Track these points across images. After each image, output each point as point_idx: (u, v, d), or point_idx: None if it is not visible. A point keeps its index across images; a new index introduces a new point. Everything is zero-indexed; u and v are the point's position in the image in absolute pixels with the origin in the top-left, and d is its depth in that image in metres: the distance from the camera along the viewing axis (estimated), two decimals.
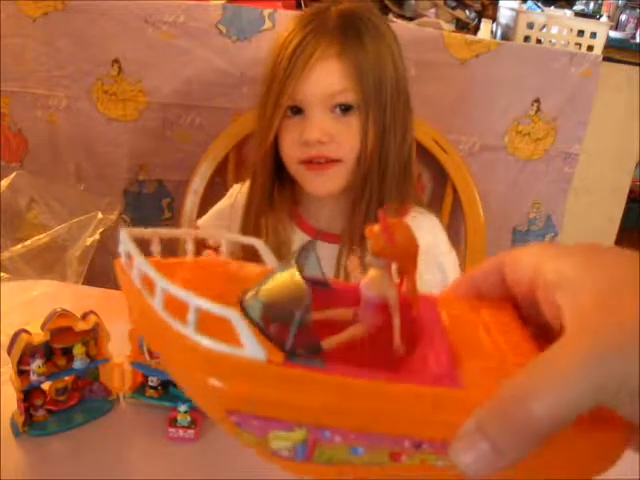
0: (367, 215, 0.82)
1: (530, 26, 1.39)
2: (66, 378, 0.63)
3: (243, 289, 0.28)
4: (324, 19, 0.79)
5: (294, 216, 0.90)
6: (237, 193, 0.94)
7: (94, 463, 0.59)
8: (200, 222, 0.97)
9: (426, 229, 0.90)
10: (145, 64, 1.17)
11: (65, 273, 0.77)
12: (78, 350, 0.62)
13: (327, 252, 0.87)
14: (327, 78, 0.78)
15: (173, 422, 0.62)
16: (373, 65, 0.79)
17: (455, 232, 1.06)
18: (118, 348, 0.65)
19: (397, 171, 0.83)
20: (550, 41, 1.39)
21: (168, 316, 0.25)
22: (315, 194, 0.85)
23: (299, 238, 0.89)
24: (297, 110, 0.80)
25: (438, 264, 0.89)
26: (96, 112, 1.20)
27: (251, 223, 0.87)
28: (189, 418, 0.62)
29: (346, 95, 0.79)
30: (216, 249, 1.01)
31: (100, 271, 1.27)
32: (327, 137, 0.79)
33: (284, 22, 1.12)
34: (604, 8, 2.61)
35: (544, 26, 1.39)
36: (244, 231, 0.88)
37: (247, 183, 0.93)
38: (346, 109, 0.80)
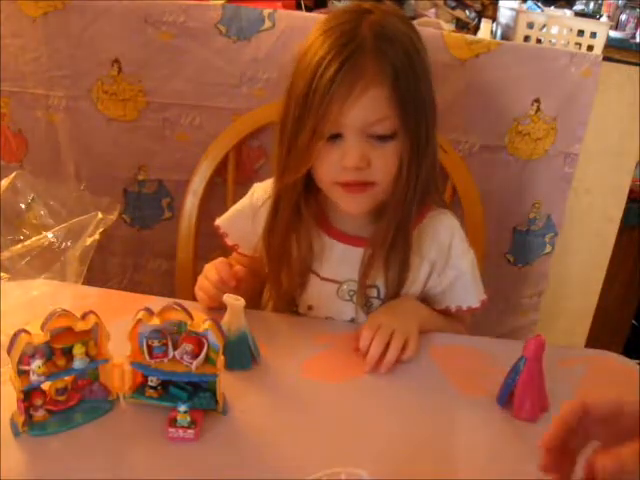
0: (394, 219, 0.84)
1: (530, 26, 1.39)
2: (66, 378, 0.64)
3: None
4: (360, 41, 0.76)
5: (320, 221, 0.90)
6: (258, 193, 0.94)
7: (94, 463, 0.59)
8: (220, 221, 0.97)
9: (443, 229, 0.91)
10: (145, 64, 1.17)
11: (65, 273, 0.77)
12: (78, 350, 0.62)
13: (352, 254, 0.88)
14: (368, 107, 0.77)
15: (173, 422, 0.62)
16: (412, 88, 0.78)
17: None
18: (118, 348, 0.65)
19: (425, 179, 0.84)
20: (550, 41, 1.39)
21: None
22: (349, 212, 0.86)
23: (326, 242, 0.90)
24: (335, 135, 0.79)
25: (453, 263, 0.90)
26: (96, 112, 1.20)
27: (278, 237, 0.87)
28: (189, 418, 0.62)
29: (386, 123, 0.78)
30: (233, 247, 1.01)
31: (100, 271, 1.28)
32: (365, 163, 0.79)
33: (284, 22, 1.12)
34: (604, 8, 2.61)
35: (544, 26, 1.39)
36: (271, 241, 0.88)
37: (267, 182, 0.93)
38: (385, 137, 0.79)
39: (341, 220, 0.90)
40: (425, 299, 0.92)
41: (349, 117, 0.77)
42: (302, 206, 0.87)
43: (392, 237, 0.84)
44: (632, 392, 0.76)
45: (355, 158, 0.78)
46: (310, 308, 0.91)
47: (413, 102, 0.79)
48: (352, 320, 0.90)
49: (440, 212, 0.92)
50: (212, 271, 0.84)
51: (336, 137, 0.79)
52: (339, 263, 0.89)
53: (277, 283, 0.90)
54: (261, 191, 0.94)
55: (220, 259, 0.86)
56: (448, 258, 0.90)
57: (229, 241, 0.96)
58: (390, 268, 0.86)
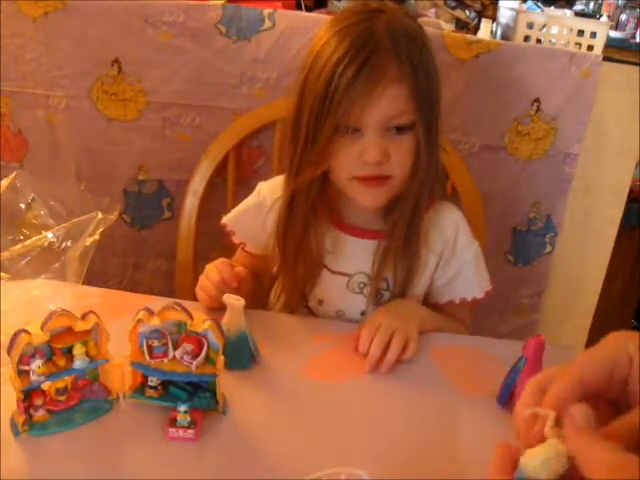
0: (409, 212, 0.85)
1: (530, 26, 1.39)
2: (66, 378, 0.64)
3: None
4: (378, 41, 0.77)
5: (331, 216, 0.91)
6: (264, 192, 0.95)
7: (94, 463, 0.59)
8: (226, 219, 0.97)
9: (448, 221, 0.92)
10: (145, 64, 1.17)
11: (65, 273, 0.77)
12: (78, 350, 0.62)
13: (363, 247, 0.89)
14: (389, 103, 0.78)
15: (173, 422, 0.62)
16: (427, 83, 0.80)
17: None
18: (118, 348, 0.65)
19: (434, 173, 0.86)
20: (550, 41, 1.39)
21: None
22: (366, 206, 0.87)
23: (337, 236, 0.91)
24: (353, 130, 0.80)
25: (458, 255, 0.92)
26: (96, 112, 1.20)
27: (295, 235, 0.87)
28: (189, 418, 0.62)
29: (404, 117, 0.80)
30: (240, 246, 1.01)
31: (100, 271, 1.28)
32: (385, 157, 0.80)
33: (284, 22, 1.12)
34: (604, 8, 2.61)
35: (544, 26, 1.39)
36: (287, 239, 0.88)
37: (274, 181, 0.94)
38: (402, 129, 0.80)
39: (352, 214, 0.91)
40: (430, 292, 0.93)
41: (369, 112, 0.78)
42: (317, 202, 0.87)
43: (406, 229, 0.86)
44: None
45: (377, 153, 0.79)
46: (321, 302, 0.92)
47: (428, 95, 0.81)
48: (363, 313, 0.90)
49: (444, 205, 0.94)
50: (213, 271, 0.84)
51: (354, 132, 0.80)
52: (350, 256, 0.90)
53: (292, 279, 0.90)
54: (267, 190, 0.95)
55: (222, 259, 0.86)
56: (454, 250, 0.91)
57: (236, 239, 0.96)
58: (400, 260, 0.87)
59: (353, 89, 0.76)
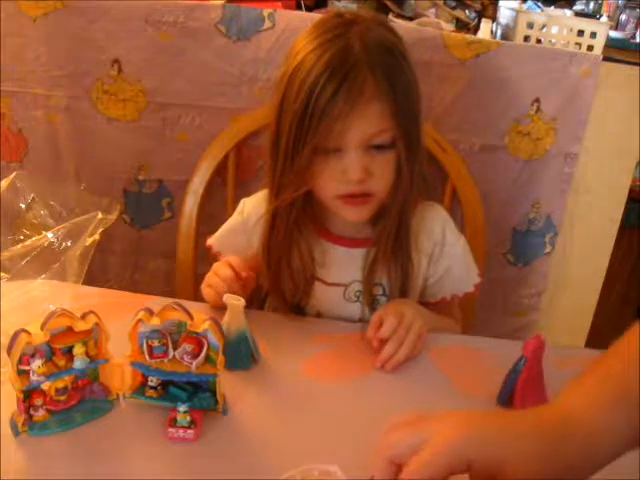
0: (396, 219, 0.85)
1: (530, 26, 1.39)
2: (66, 378, 0.64)
3: None
4: (354, 59, 0.76)
5: (317, 228, 0.91)
6: (248, 209, 0.95)
7: (94, 463, 0.59)
8: (212, 241, 0.97)
9: (435, 221, 0.93)
10: (145, 64, 1.17)
11: (65, 273, 0.77)
12: (78, 350, 0.62)
13: (354, 256, 0.90)
14: (368, 123, 0.78)
15: (173, 422, 0.62)
16: (407, 95, 0.80)
17: None
18: (118, 348, 0.65)
19: (418, 181, 0.86)
20: (550, 41, 1.39)
21: None
22: (351, 221, 0.87)
23: (327, 248, 0.91)
24: (334, 150, 0.80)
25: (447, 252, 0.92)
26: (96, 112, 1.20)
27: (277, 252, 0.87)
28: (189, 418, 0.62)
29: (384, 136, 0.79)
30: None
31: (100, 271, 1.28)
32: (367, 175, 0.80)
33: (284, 22, 1.12)
34: (604, 8, 2.61)
35: (544, 26, 1.39)
36: (270, 257, 0.88)
37: (257, 197, 0.94)
38: (382, 147, 0.80)
39: (340, 225, 0.91)
40: (422, 290, 0.94)
41: (350, 135, 0.78)
42: (301, 219, 0.87)
43: (395, 235, 0.86)
44: None
45: (359, 171, 0.79)
46: (319, 314, 0.92)
47: (407, 109, 0.80)
48: (360, 320, 0.90)
49: (428, 205, 0.94)
50: (224, 268, 0.83)
51: (335, 151, 0.80)
52: (342, 266, 0.90)
53: (280, 296, 0.90)
54: (251, 206, 0.95)
55: (234, 258, 0.86)
56: (442, 248, 0.92)
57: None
58: (393, 265, 0.87)
59: (331, 111, 0.75)
